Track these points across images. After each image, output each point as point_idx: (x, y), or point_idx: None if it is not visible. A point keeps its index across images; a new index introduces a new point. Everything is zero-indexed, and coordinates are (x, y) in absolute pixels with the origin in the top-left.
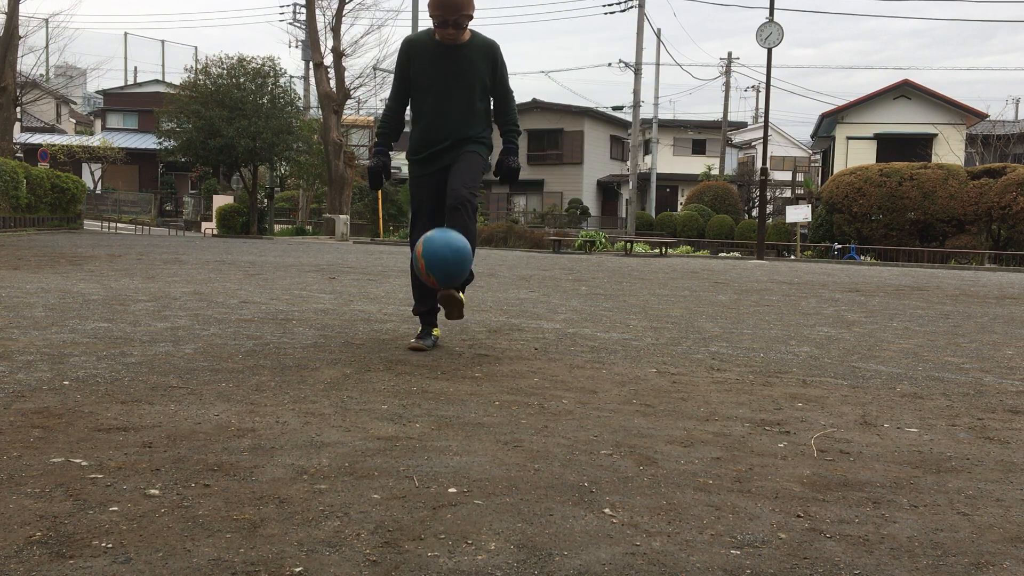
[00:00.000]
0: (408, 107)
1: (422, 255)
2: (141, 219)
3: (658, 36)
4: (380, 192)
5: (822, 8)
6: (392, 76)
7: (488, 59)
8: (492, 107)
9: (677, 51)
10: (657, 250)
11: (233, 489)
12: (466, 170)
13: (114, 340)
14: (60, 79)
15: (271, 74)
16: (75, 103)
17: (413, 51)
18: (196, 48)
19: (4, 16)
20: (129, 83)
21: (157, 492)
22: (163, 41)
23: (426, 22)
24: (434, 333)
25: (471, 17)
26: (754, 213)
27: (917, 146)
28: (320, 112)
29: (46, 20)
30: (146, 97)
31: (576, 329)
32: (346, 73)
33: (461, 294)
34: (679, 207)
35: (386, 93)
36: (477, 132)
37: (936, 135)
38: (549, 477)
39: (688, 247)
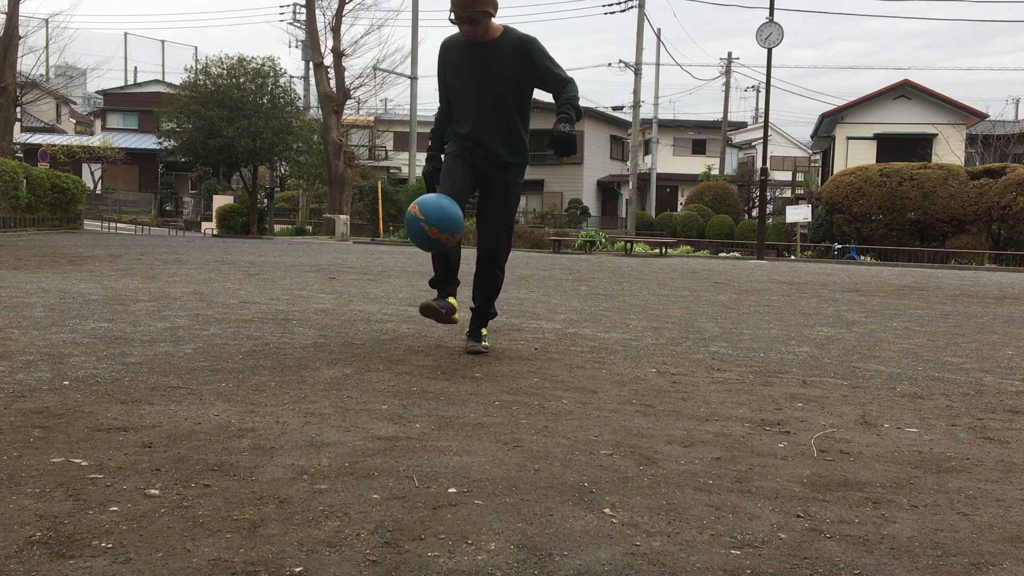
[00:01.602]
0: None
1: (415, 203)
2: (141, 219)
3: (658, 36)
4: (380, 192)
5: (822, 8)
6: (390, 77)
7: (519, 54)
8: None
9: (677, 51)
10: (657, 250)
11: (233, 489)
12: (501, 224)
13: (114, 340)
14: (60, 79)
15: (271, 74)
16: (75, 103)
17: (448, 53)
18: (196, 48)
19: (4, 16)
20: (129, 83)
21: (157, 492)
22: (163, 41)
23: (426, 23)
24: (451, 301)
25: (489, 13)
26: (754, 213)
27: (917, 146)
28: (320, 112)
29: (46, 20)
30: (146, 97)
31: (576, 329)
32: (346, 73)
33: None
34: (679, 207)
35: (386, 93)
36: (512, 146)
37: (936, 135)
38: (549, 477)
39: (688, 247)
